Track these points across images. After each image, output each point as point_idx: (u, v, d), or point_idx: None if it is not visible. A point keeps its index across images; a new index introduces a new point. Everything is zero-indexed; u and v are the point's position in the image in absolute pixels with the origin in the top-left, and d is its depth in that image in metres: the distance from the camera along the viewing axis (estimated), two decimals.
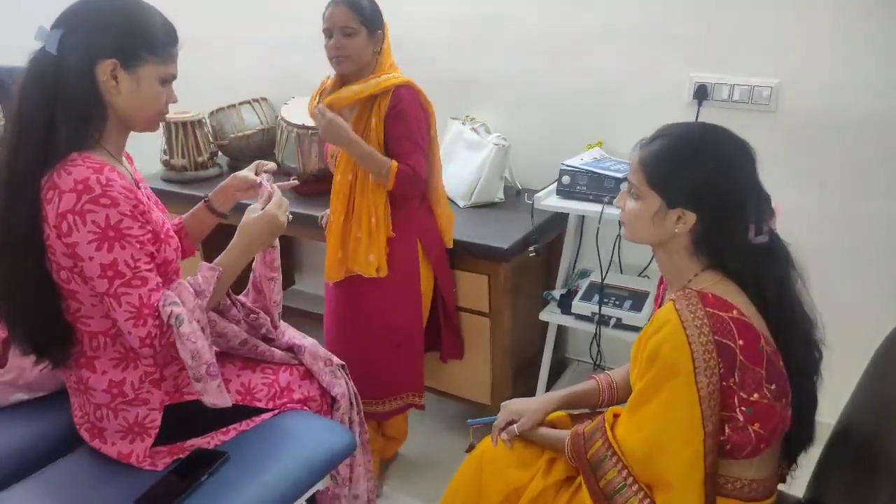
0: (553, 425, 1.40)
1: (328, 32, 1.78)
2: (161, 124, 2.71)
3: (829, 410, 1.27)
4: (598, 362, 2.30)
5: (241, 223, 1.38)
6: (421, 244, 1.95)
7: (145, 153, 2.73)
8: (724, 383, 1.07)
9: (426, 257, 1.97)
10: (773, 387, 1.08)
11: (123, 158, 1.34)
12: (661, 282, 1.36)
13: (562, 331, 2.48)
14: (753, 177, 1.13)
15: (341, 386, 1.55)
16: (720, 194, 1.10)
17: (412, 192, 1.85)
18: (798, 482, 1.29)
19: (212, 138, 2.84)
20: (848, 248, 2.07)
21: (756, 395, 1.07)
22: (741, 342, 1.06)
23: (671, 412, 1.09)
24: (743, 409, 1.07)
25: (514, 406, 1.40)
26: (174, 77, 1.30)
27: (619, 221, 1.23)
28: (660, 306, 1.31)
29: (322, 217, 2.14)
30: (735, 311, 1.08)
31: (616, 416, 1.21)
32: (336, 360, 1.58)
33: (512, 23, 2.38)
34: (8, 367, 1.51)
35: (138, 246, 1.21)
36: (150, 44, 1.23)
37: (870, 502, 1.06)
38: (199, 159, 2.78)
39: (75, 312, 1.27)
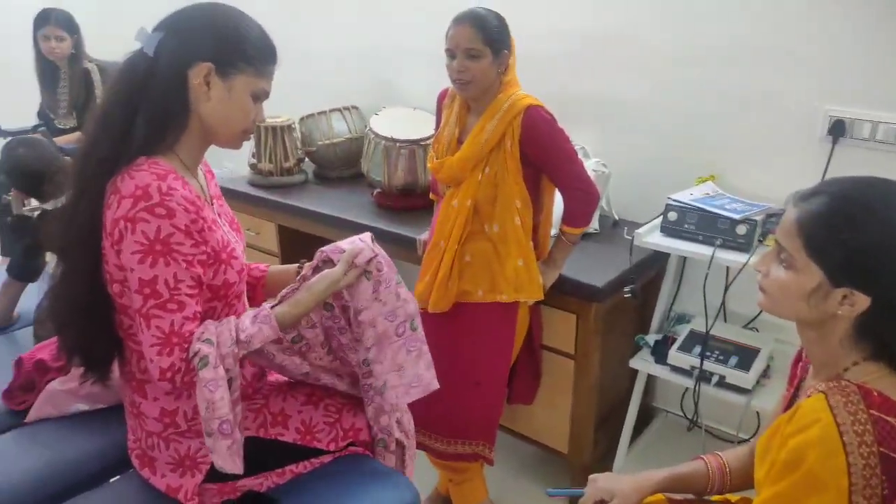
0: None
1: (451, 53, 1.66)
2: None
3: None
4: (693, 420, 2.07)
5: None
6: None
7: (237, 156, 2.72)
8: None
9: None
10: None
11: (200, 171, 1.26)
12: (798, 358, 1.13)
13: (650, 376, 2.26)
14: None
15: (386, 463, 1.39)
16: None
17: (594, 208, 1.83)
18: None
19: (300, 144, 2.79)
20: None
21: None
22: None
23: None
24: None
25: (605, 483, 1.21)
26: (267, 94, 1.22)
27: (760, 288, 1.02)
28: (796, 389, 1.09)
29: (420, 242, 2.01)
30: None
31: None
32: (406, 442, 1.40)
33: (627, 39, 2.19)
34: (70, 376, 1.46)
35: (184, 265, 1.11)
36: (248, 54, 1.17)
37: None
38: (286, 165, 2.73)
39: (127, 329, 1.20)
